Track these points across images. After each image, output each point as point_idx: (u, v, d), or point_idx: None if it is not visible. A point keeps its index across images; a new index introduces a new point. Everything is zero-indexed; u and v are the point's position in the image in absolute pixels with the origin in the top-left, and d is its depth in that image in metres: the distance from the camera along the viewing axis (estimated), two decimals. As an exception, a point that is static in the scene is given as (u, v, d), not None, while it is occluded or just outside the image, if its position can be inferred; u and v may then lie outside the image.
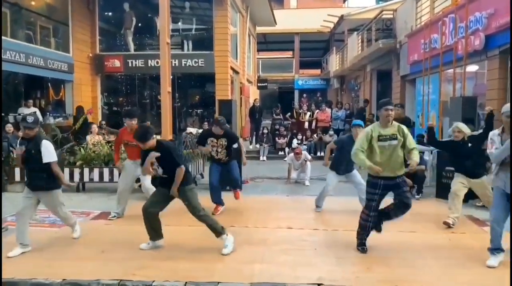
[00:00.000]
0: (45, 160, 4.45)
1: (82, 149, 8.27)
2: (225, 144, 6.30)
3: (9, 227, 5.36)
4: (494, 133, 4.24)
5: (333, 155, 6.62)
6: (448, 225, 5.39)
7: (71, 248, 4.75)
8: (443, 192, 6.63)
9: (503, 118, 4.08)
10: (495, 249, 4.19)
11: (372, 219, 4.69)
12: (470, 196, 5.95)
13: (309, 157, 9.04)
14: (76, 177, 7.97)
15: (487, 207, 5.37)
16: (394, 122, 4.67)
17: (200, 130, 11.90)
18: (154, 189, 5.58)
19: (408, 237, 5.15)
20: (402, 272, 4.10)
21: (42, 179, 4.52)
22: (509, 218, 4.09)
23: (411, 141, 4.62)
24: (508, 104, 4.02)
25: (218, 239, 4.65)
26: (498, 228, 4.16)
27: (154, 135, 4.62)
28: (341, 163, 6.27)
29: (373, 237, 5.21)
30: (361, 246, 4.72)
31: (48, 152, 4.49)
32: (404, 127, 4.68)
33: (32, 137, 4.50)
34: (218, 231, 4.65)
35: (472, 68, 9.22)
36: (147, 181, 6.08)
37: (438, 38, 9.87)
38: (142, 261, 4.37)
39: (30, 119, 4.47)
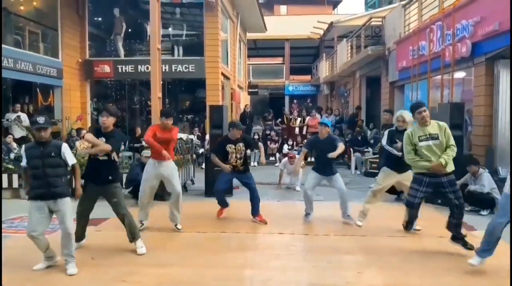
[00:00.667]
0: (71, 162, 4.24)
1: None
2: (243, 149, 6.05)
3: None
4: None
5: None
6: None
7: (60, 256, 4.70)
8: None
9: None
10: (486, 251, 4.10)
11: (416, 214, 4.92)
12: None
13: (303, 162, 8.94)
14: (65, 183, 7.87)
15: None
16: (435, 121, 4.73)
17: (191, 136, 11.88)
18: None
19: (399, 241, 5.20)
20: (392, 275, 4.14)
21: (61, 185, 4.18)
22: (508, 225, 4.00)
23: (449, 139, 4.62)
24: None
25: (132, 244, 4.78)
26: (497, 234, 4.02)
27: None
28: (319, 162, 6.12)
29: (363, 242, 5.26)
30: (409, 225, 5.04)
31: (70, 154, 4.29)
32: (446, 126, 4.71)
33: (48, 139, 4.20)
34: (136, 236, 4.76)
35: (459, 74, 9.37)
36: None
37: (426, 45, 10.02)
38: (132, 267, 4.34)
39: (41, 119, 4.11)
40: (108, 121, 4.72)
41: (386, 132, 5.68)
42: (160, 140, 5.45)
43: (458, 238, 4.67)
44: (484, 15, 7.69)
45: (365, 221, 5.77)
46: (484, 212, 6.53)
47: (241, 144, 6.04)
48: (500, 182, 6.80)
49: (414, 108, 4.74)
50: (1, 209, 4.60)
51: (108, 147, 4.58)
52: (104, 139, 4.64)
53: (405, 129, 5.40)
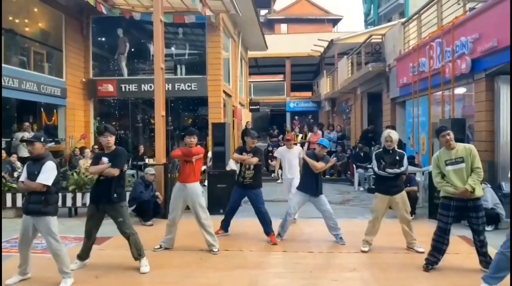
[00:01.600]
0: (39, 180, 4.18)
1: (74, 174, 8.24)
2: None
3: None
4: None
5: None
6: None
7: (64, 274, 4.69)
8: (435, 212, 6.67)
9: None
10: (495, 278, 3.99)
11: (447, 242, 4.69)
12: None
13: (301, 149, 7.75)
14: (69, 202, 7.91)
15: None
16: (461, 144, 4.75)
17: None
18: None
19: (403, 258, 5.17)
20: (398, 293, 4.11)
21: (39, 203, 4.19)
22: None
23: (474, 162, 4.60)
24: None
25: (136, 262, 4.79)
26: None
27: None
28: (307, 180, 5.96)
29: (368, 259, 5.23)
30: (428, 266, 4.72)
31: (48, 174, 4.21)
32: (472, 148, 4.71)
33: (40, 156, 4.24)
34: (141, 254, 4.79)
35: (460, 90, 9.43)
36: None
37: (426, 61, 10.11)
38: (137, 286, 4.34)
39: (30, 135, 4.25)
40: (112, 141, 4.78)
41: (373, 157, 5.56)
42: (188, 160, 5.52)
43: (485, 261, 4.58)
44: (482, 32, 7.79)
45: (370, 246, 5.61)
46: (489, 228, 6.48)
47: (251, 155, 6.03)
48: (503, 197, 6.79)
49: (438, 132, 4.77)
50: (1, 220, 4.55)
51: (116, 172, 4.67)
52: (107, 160, 4.70)
53: (394, 149, 5.45)
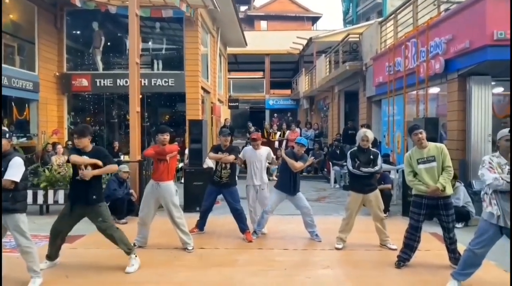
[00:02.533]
0: (7, 176, 4.04)
1: (46, 170, 8.02)
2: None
3: None
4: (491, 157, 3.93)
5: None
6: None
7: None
8: (409, 209, 6.78)
9: (502, 142, 3.88)
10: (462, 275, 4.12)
11: (418, 239, 4.75)
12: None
13: (272, 155, 6.57)
14: (40, 199, 7.70)
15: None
16: (433, 144, 4.81)
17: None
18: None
19: (376, 255, 5.24)
20: (370, 290, 4.17)
21: (6, 200, 4.05)
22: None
23: (445, 161, 4.68)
24: (506, 129, 3.92)
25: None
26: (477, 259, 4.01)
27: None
28: (285, 178, 5.94)
29: (341, 256, 5.29)
30: (400, 263, 4.79)
31: (14, 169, 4.06)
32: (444, 147, 4.78)
33: (5, 152, 4.07)
34: (130, 249, 4.73)
35: (434, 90, 9.63)
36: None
37: (402, 61, 10.28)
38: (108, 285, 4.25)
39: None
40: (89, 141, 4.64)
41: (348, 155, 5.60)
42: (161, 158, 5.44)
43: (454, 258, 4.70)
44: (455, 33, 7.96)
45: (344, 243, 5.67)
46: (459, 225, 6.65)
47: (227, 153, 6.00)
48: (473, 195, 6.97)
49: (411, 130, 4.83)
50: (0, 220, 4.20)
51: (115, 167, 4.71)
52: (87, 158, 4.57)
53: (368, 148, 5.52)
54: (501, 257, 4.71)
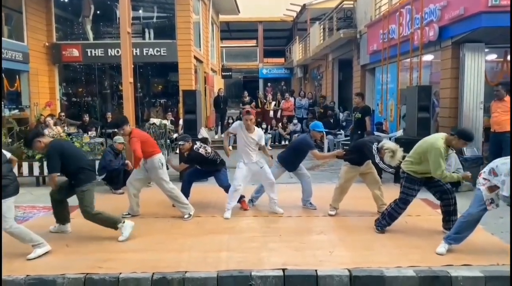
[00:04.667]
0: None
1: (41, 142, 8.01)
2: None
3: None
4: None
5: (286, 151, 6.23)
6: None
7: (34, 244, 4.66)
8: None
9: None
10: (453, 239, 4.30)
11: (403, 212, 4.87)
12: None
13: (263, 138, 5.93)
14: (36, 171, 7.75)
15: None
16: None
17: (164, 121, 11.79)
18: None
19: (368, 221, 5.38)
20: (362, 254, 4.32)
21: None
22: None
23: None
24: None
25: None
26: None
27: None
28: (291, 157, 6.03)
29: (335, 222, 5.44)
30: (382, 228, 4.95)
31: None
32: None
33: None
34: (115, 225, 4.80)
35: (427, 57, 9.60)
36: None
37: (396, 28, 10.19)
38: (108, 253, 4.37)
39: None
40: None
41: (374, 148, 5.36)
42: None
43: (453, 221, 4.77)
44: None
45: (336, 210, 5.82)
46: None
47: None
48: (464, 162, 7.11)
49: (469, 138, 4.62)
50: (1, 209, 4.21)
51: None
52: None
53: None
54: (489, 220, 4.89)
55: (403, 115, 9.75)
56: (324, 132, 5.92)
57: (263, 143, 5.86)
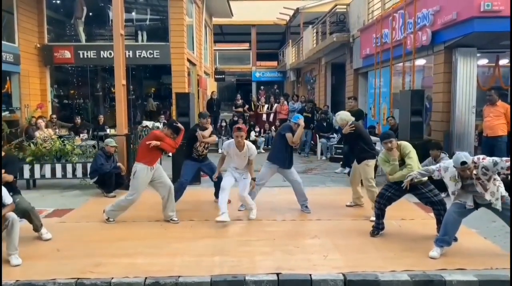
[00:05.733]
0: None
1: (32, 144, 7.92)
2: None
3: None
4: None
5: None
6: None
7: (24, 248, 4.52)
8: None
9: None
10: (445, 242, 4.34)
11: (381, 206, 4.93)
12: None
13: (255, 153, 5.70)
14: (26, 174, 7.64)
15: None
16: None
17: (157, 123, 11.71)
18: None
19: (362, 225, 5.38)
20: (355, 258, 4.30)
21: None
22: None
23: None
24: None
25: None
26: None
27: None
28: (280, 153, 5.96)
29: (328, 226, 5.42)
30: (376, 231, 4.99)
31: None
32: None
33: None
34: (38, 228, 4.84)
35: (420, 62, 9.66)
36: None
37: (389, 33, 10.25)
38: (99, 258, 4.30)
39: None
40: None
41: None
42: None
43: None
44: (443, 4, 7.93)
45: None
46: (443, 194, 6.82)
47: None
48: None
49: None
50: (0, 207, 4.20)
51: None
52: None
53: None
54: (482, 224, 4.91)
55: (387, 117, 9.93)
56: (302, 120, 6.00)
57: (253, 157, 5.65)
